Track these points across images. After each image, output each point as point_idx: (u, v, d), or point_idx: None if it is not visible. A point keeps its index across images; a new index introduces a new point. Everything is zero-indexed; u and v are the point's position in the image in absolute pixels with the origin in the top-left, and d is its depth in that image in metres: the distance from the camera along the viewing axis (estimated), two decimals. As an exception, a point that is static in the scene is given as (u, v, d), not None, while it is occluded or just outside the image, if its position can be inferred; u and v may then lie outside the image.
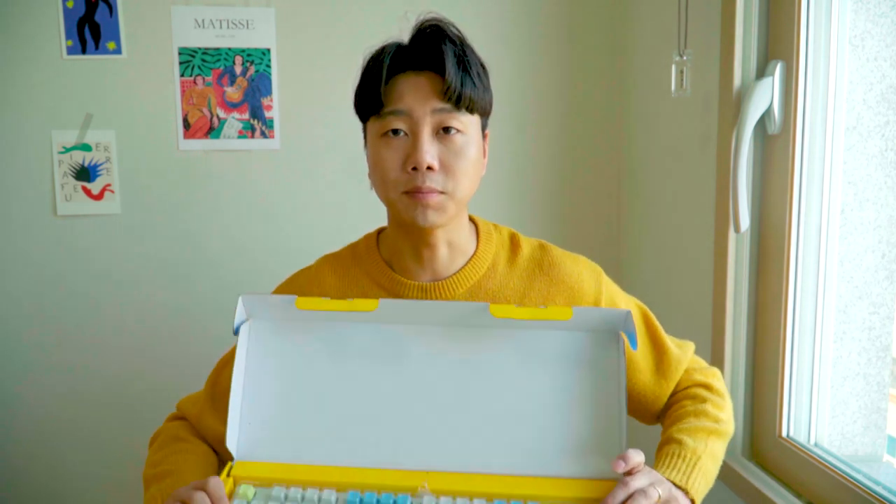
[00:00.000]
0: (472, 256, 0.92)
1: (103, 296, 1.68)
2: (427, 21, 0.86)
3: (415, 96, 0.83)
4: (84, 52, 1.61)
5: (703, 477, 0.83)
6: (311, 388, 0.81)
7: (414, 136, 0.82)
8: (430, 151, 0.82)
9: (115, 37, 1.61)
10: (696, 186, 1.38)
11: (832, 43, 1.10)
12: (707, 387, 0.96)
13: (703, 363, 1.01)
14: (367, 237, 0.97)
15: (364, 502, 0.74)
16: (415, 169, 0.82)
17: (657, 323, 0.98)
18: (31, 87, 1.61)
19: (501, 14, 1.71)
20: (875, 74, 1.10)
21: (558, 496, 0.76)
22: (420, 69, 0.84)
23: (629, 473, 0.74)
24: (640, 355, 0.95)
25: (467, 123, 0.85)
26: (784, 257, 1.16)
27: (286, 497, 0.75)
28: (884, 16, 1.10)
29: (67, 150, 1.63)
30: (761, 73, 1.19)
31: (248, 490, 0.75)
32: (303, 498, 0.75)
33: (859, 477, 1.02)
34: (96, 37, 1.61)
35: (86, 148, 1.64)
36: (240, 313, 0.82)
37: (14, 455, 1.71)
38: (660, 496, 0.73)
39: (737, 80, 1.20)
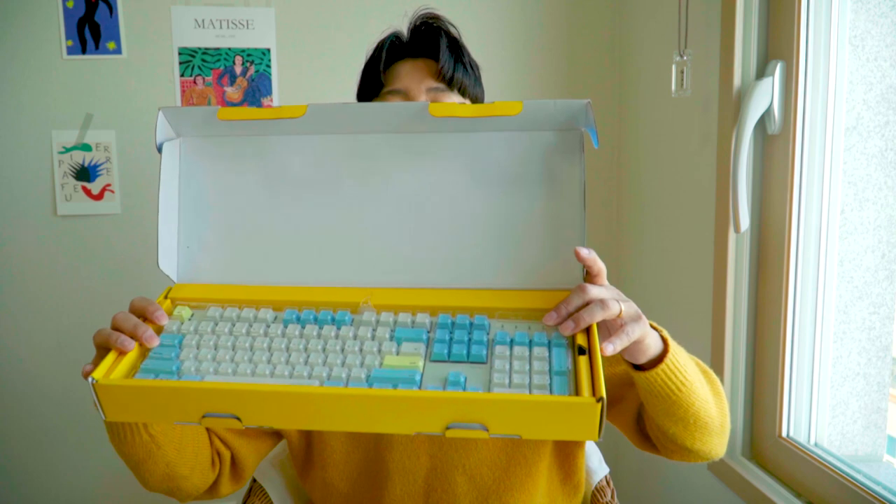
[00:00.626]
0: None
1: (103, 296, 1.68)
2: (424, 15, 0.96)
3: (411, 77, 0.92)
4: (84, 52, 1.61)
5: (680, 358, 0.75)
6: (246, 208, 0.77)
7: None
8: None
9: (115, 37, 1.61)
10: (696, 186, 1.38)
11: (832, 43, 1.10)
12: (707, 373, 0.90)
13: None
14: None
15: (301, 319, 0.71)
16: None
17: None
18: (31, 87, 1.61)
19: (501, 14, 1.71)
20: (875, 74, 1.10)
21: (509, 307, 0.70)
22: (416, 56, 0.94)
23: (590, 281, 0.70)
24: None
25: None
26: (784, 257, 1.16)
27: (221, 317, 0.73)
28: (884, 16, 1.10)
29: (67, 150, 1.63)
30: (761, 73, 1.19)
31: (182, 311, 0.73)
32: (238, 317, 0.72)
33: (859, 477, 1.02)
34: (96, 37, 1.61)
35: (86, 148, 1.64)
36: (161, 128, 0.77)
37: (14, 455, 1.71)
38: (622, 311, 0.67)
39: (737, 80, 1.20)
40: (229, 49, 1.64)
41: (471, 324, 0.70)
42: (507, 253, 0.73)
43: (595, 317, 0.65)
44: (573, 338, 0.67)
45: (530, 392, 0.62)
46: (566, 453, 0.94)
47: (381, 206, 0.75)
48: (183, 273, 0.78)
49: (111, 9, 1.60)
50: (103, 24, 1.61)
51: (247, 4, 1.63)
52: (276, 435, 0.98)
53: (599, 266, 0.70)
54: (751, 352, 1.26)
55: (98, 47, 1.61)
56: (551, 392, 0.62)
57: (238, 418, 0.63)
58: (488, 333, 0.69)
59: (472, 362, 0.66)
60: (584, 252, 0.68)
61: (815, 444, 1.16)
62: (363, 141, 0.75)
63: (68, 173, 1.64)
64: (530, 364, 0.65)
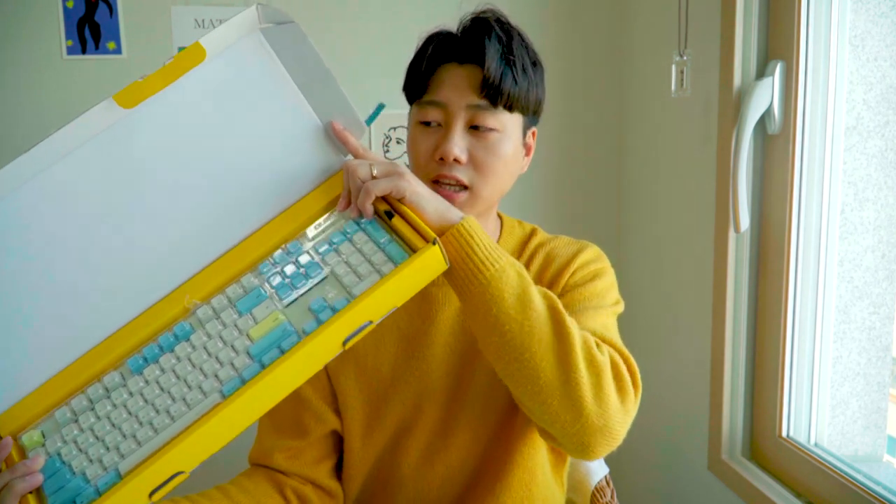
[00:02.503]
0: None
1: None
2: (478, 13, 0.86)
3: (453, 89, 0.82)
4: (84, 52, 1.61)
5: (489, 245, 0.70)
6: (6, 291, 0.70)
7: (447, 128, 0.83)
8: (458, 144, 0.81)
9: (115, 37, 1.61)
10: (696, 186, 1.38)
11: (832, 43, 1.10)
12: (600, 345, 0.74)
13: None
14: None
15: (150, 358, 0.69)
16: (442, 160, 0.82)
17: (608, 319, 0.84)
18: (31, 87, 1.61)
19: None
20: (875, 74, 1.10)
21: (307, 217, 0.74)
22: (463, 61, 0.83)
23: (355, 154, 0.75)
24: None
25: (505, 121, 0.83)
26: (784, 257, 1.16)
27: (74, 412, 0.68)
28: (884, 16, 1.10)
29: (67, 150, 1.63)
30: (761, 73, 1.19)
31: (32, 435, 0.68)
32: (90, 400, 0.68)
33: (859, 477, 1.02)
34: (96, 37, 1.61)
35: (86, 148, 1.64)
36: None
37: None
38: (373, 173, 0.71)
39: (737, 80, 1.20)
40: (229, 49, 1.64)
41: (290, 254, 0.73)
42: (272, 175, 0.74)
43: (363, 197, 0.70)
44: (375, 208, 0.72)
45: (379, 273, 0.68)
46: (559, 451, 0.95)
47: (136, 208, 0.72)
48: None
49: (111, 9, 1.60)
50: (103, 24, 1.60)
51: (247, 4, 1.63)
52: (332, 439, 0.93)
53: (351, 142, 0.76)
54: (751, 352, 1.26)
55: (98, 47, 1.61)
56: (394, 262, 0.68)
57: (181, 472, 0.62)
58: (309, 252, 0.73)
59: (318, 283, 0.70)
60: (338, 127, 0.76)
61: (815, 444, 1.16)
62: (75, 165, 0.71)
63: (68, 173, 1.64)
64: (362, 253, 0.70)
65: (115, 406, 0.67)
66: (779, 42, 1.16)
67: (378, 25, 1.67)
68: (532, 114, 0.87)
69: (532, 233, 0.95)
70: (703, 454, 1.35)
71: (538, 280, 0.88)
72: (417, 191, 0.71)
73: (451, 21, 0.88)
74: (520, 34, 0.86)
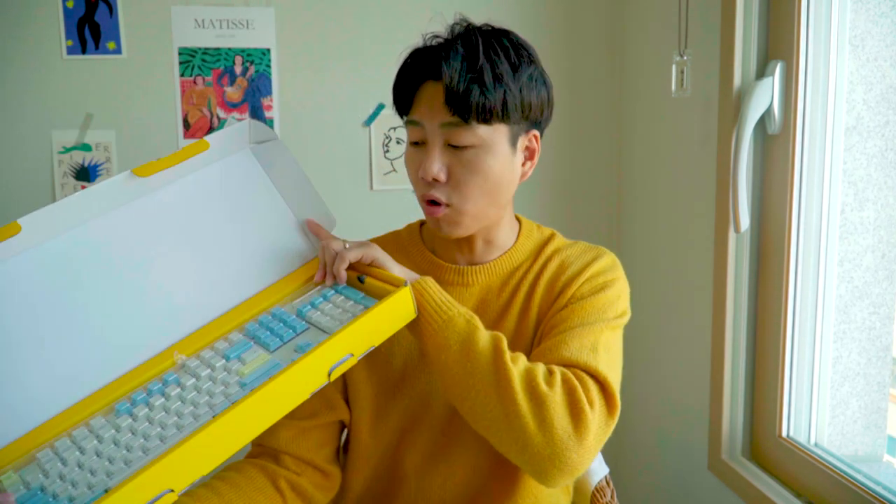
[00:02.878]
0: (506, 252, 0.93)
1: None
2: (455, 23, 0.85)
3: (427, 108, 0.82)
4: (84, 52, 1.61)
5: (441, 300, 0.78)
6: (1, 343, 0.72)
7: (427, 147, 0.83)
8: (435, 164, 0.82)
9: (115, 37, 1.61)
10: (696, 186, 1.38)
11: (832, 43, 1.10)
12: (564, 374, 0.77)
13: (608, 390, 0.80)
14: (410, 226, 1.00)
15: (138, 401, 0.70)
16: (423, 180, 0.84)
17: (600, 336, 0.83)
18: (31, 87, 1.61)
19: (500, 15, 1.70)
20: (875, 74, 1.10)
21: (287, 292, 0.83)
22: (438, 78, 0.80)
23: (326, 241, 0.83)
24: (555, 327, 0.85)
25: (483, 135, 0.80)
26: (784, 257, 1.16)
27: (56, 453, 0.67)
28: (884, 16, 1.10)
29: (67, 150, 1.63)
30: (761, 73, 1.19)
31: (10, 476, 0.67)
32: (75, 442, 0.68)
33: (859, 477, 1.02)
34: (96, 37, 1.61)
35: (86, 148, 1.64)
36: None
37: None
38: (345, 246, 0.82)
39: (737, 80, 1.20)
40: (229, 49, 1.64)
41: (274, 316, 0.80)
42: (257, 258, 0.84)
43: (338, 263, 0.80)
44: (348, 275, 0.82)
45: (355, 315, 0.75)
46: None
47: (128, 274, 0.77)
48: None
49: (111, 9, 1.60)
50: (103, 24, 1.60)
51: (247, 4, 1.63)
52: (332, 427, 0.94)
53: (324, 233, 0.87)
54: (751, 352, 1.26)
55: (98, 47, 1.61)
56: (368, 308, 0.74)
57: (170, 490, 0.60)
58: (292, 312, 0.80)
59: (301, 331, 0.77)
60: (313, 224, 0.88)
61: (815, 444, 1.16)
62: (84, 232, 0.76)
63: (68, 173, 1.64)
64: (340, 307, 0.78)
65: (101, 441, 0.67)
66: (779, 42, 1.16)
67: (378, 25, 1.67)
68: (524, 119, 0.84)
69: (550, 237, 0.96)
70: (703, 454, 1.35)
71: (550, 286, 0.89)
72: (385, 256, 0.82)
73: (448, 21, 0.87)
74: (498, 39, 0.82)
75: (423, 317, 0.77)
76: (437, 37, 0.84)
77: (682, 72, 1.36)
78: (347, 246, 0.82)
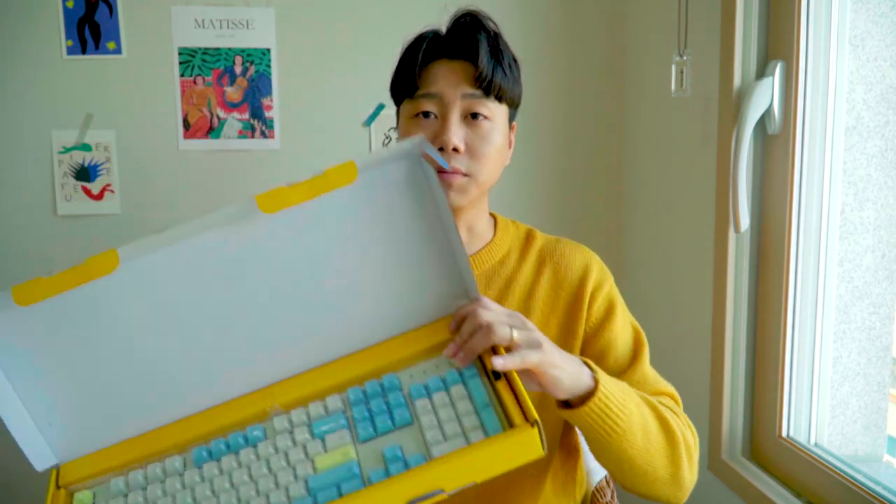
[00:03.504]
0: (489, 244, 0.94)
1: (103, 296, 1.68)
2: (464, 12, 0.90)
3: (447, 81, 0.86)
4: (84, 52, 1.61)
5: (615, 401, 0.73)
6: (90, 357, 0.69)
7: (443, 119, 0.85)
8: (457, 134, 0.84)
9: (115, 37, 1.61)
10: (696, 186, 1.38)
11: (832, 43, 1.10)
12: (675, 408, 0.89)
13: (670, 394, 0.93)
14: None
15: (214, 454, 0.67)
16: (441, 149, 0.84)
17: (642, 339, 0.94)
18: (31, 87, 1.61)
19: (500, 15, 1.70)
20: (875, 74, 1.10)
21: (410, 353, 0.70)
22: (454, 57, 0.87)
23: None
24: (613, 362, 0.91)
25: (495, 111, 0.87)
26: (784, 257, 1.16)
27: (128, 485, 0.67)
28: (884, 16, 1.10)
29: (67, 150, 1.63)
30: (761, 73, 1.19)
31: (83, 496, 0.67)
32: (146, 479, 0.67)
33: (859, 477, 1.02)
34: (96, 37, 1.61)
35: (86, 148, 1.64)
36: None
37: (12, 457, 1.71)
38: (514, 337, 0.66)
39: (737, 80, 1.20)
40: (229, 49, 1.64)
41: (382, 388, 0.68)
42: (383, 303, 0.71)
43: (484, 343, 0.65)
44: (483, 362, 0.67)
45: (466, 438, 0.62)
46: (568, 450, 0.95)
47: (237, 305, 0.69)
48: (62, 452, 0.69)
49: (111, 9, 1.60)
50: (103, 24, 1.60)
51: (247, 4, 1.63)
52: None
53: (475, 291, 0.71)
54: (751, 352, 1.26)
55: (98, 47, 1.61)
56: (486, 431, 0.62)
57: None
58: (402, 390, 0.68)
59: (400, 428, 0.65)
60: (471, 293, 0.71)
61: (815, 444, 1.16)
62: (200, 247, 0.68)
63: (68, 173, 1.64)
64: (455, 409, 0.65)
65: (164, 493, 0.66)
66: (779, 42, 1.16)
67: (378, 25, 1.67)
68: (514, 107, 0.92)
69: (530, 235, 0.97)
70: (704, 454, 1.35)
71: (552, 292, 0.92)
72: (554, 361, 0.68)
73: (440, 23, 0.91)
74: (502, 33, 0.91)
75: (608, 424, 0.72)
76: (463, 16, 0.89)
77: (682, 72, 1.36)
78: (516, 337, 0.65)
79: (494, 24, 0.90)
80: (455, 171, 0.84)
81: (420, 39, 0.89)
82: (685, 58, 1.36)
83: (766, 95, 1.15)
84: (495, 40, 0.88)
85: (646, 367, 0.93)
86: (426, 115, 0.86)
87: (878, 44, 1.10)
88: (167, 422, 0.70)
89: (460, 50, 0.86)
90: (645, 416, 0.77)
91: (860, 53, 1.10)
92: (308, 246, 0.69)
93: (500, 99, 0.87)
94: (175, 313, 0.69)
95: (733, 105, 1.20)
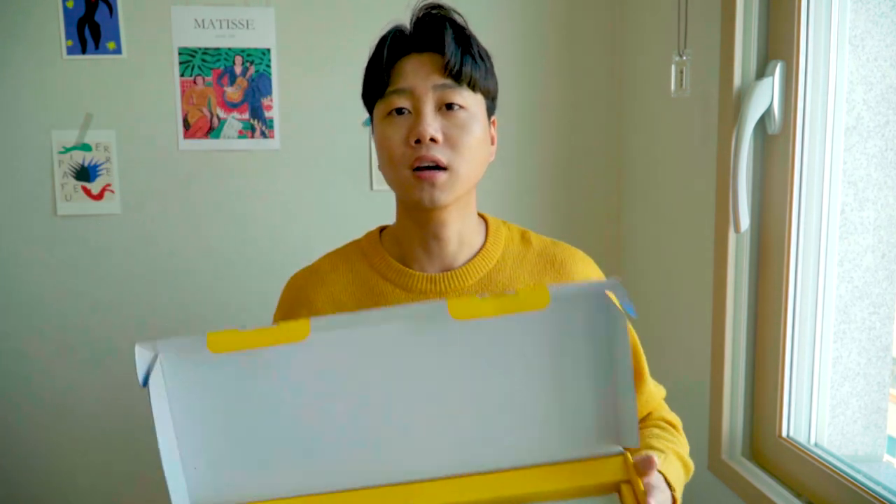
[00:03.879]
0: (481, 249, 0.92)
1: (103, 296, 1.68)
2: (427, 5, 0.89)
3: (416, 74, 0.85)
4: (84, 52, 1.61)
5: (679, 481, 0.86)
6: (254, 413, 0.70)
7: (416, 112, 0.84)
8: (432, 124, 0.83)
9: (115, 37, 1.61)
10: (696, 186, 1.38)
11: (832, 43, 1.10)
12: (675, 426, 0.97)
13: (667, 409, 1.01)
14: (370, 234, 0.97)
15: None
16: (418, 142, 0.83)
17: (643, 356, 0.98)
18: (31, 87, 1.61)
19: (500, 14, 1.70)
20: (875, 74, 1.10)
21: (560, 488, 0.69)
22: (422, 50, 0.87)
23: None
24: None
25: (470, 101, 0.86)
26: (784, 257, 1.16)
27: None
28: (884, 16, 1.10)
29: (67, 150, 1.63)
30: (761, 73, 1.19)
31: None
32: None
33: (859, 477, 1.02)
34: (96, 37, 1.61)
35: (86, 148, 1.64)
36: (141, 363, 0.68)
37: (15, 455, 1.71)
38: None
39: (737, 80, 1.20)
40: (229, 49, 1.64)
41: None
42: (538, 428, 0.71)
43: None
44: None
45: None
46: None
47: (403, 398, 0.70)
48: (198, 497, 0.70)
49: (111, 9, 1.60)
50: (103, 24, 1.61)
51: (247, 4, 1.63)
52: None
53: (652, 463, 0.71)
54: (751, 352, 1.26)
55: (98, 47, 1.61)
56: None
57: None
58: None
59: None
60: (644, 462, 0.70)
61: (815, 444, 1.16)
62: (375, 336, 0.69)
63: (68, 173, 1.64)
64: None
65: None
66: (779, 42, 1.16)
67: (378, 25, 1.66)
68: (491, 100, 0.91)
69: (525, 238, 0.95)
70: (704, 454, 1.35)
71: None
72: None
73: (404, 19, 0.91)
74: (468, 26, 0.91)
75: None
76: (427, 11, 0.89)
77: (682, 72, 1.36)
78: None
79: (460, 15, 0.90)
80: (435, 162, 0.82)
81: (385, 38, 0.89)
82: (685, 58, 1.36)
83: (765, 95, 1.15)
84: (461, 31, 0.88)
85: (651, 385, 0.96)
86: (399, 111, 0.85)
87: (878, 44, 1.10)
88: (303, 493, 0.70)
89: (427, 42, 0.86)
90: (682, 479, 0.89)
91: (860, 53, 1.10)
92: (483, 357, 0.70)
93: (473, 88, 0.86)
94: (345, 391, 0.70)
95: (733, 105, 1.20)
